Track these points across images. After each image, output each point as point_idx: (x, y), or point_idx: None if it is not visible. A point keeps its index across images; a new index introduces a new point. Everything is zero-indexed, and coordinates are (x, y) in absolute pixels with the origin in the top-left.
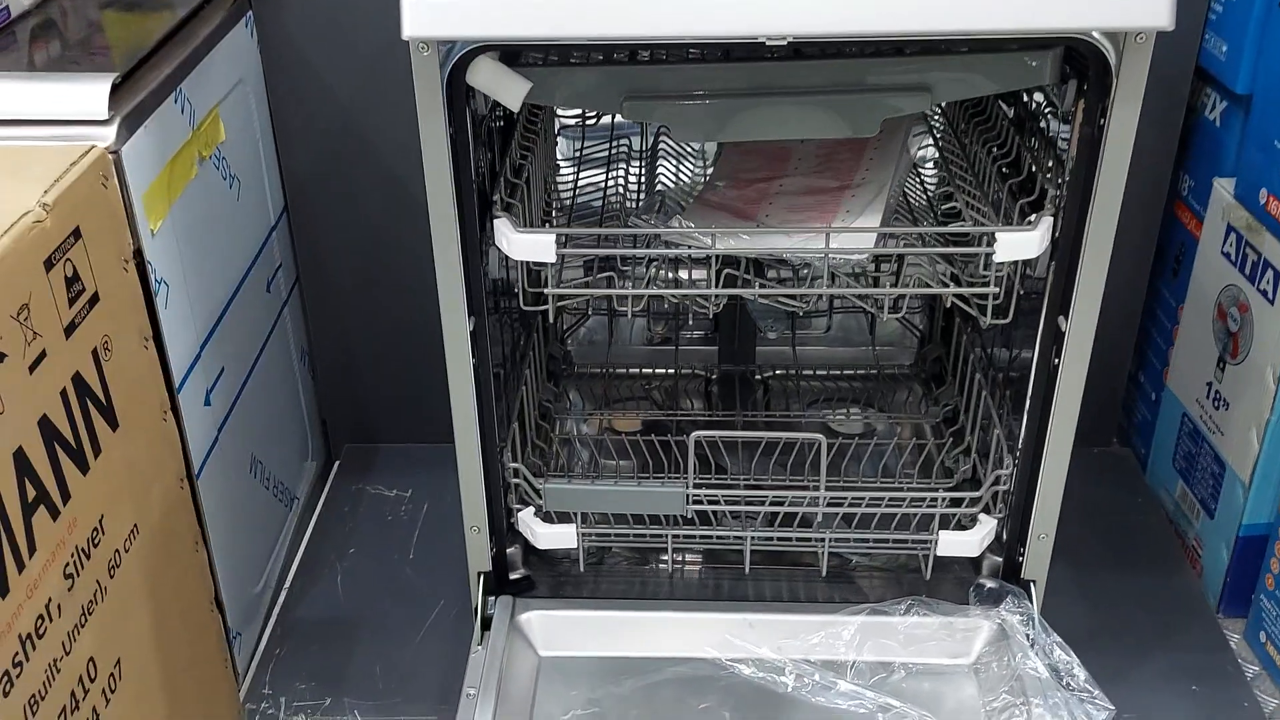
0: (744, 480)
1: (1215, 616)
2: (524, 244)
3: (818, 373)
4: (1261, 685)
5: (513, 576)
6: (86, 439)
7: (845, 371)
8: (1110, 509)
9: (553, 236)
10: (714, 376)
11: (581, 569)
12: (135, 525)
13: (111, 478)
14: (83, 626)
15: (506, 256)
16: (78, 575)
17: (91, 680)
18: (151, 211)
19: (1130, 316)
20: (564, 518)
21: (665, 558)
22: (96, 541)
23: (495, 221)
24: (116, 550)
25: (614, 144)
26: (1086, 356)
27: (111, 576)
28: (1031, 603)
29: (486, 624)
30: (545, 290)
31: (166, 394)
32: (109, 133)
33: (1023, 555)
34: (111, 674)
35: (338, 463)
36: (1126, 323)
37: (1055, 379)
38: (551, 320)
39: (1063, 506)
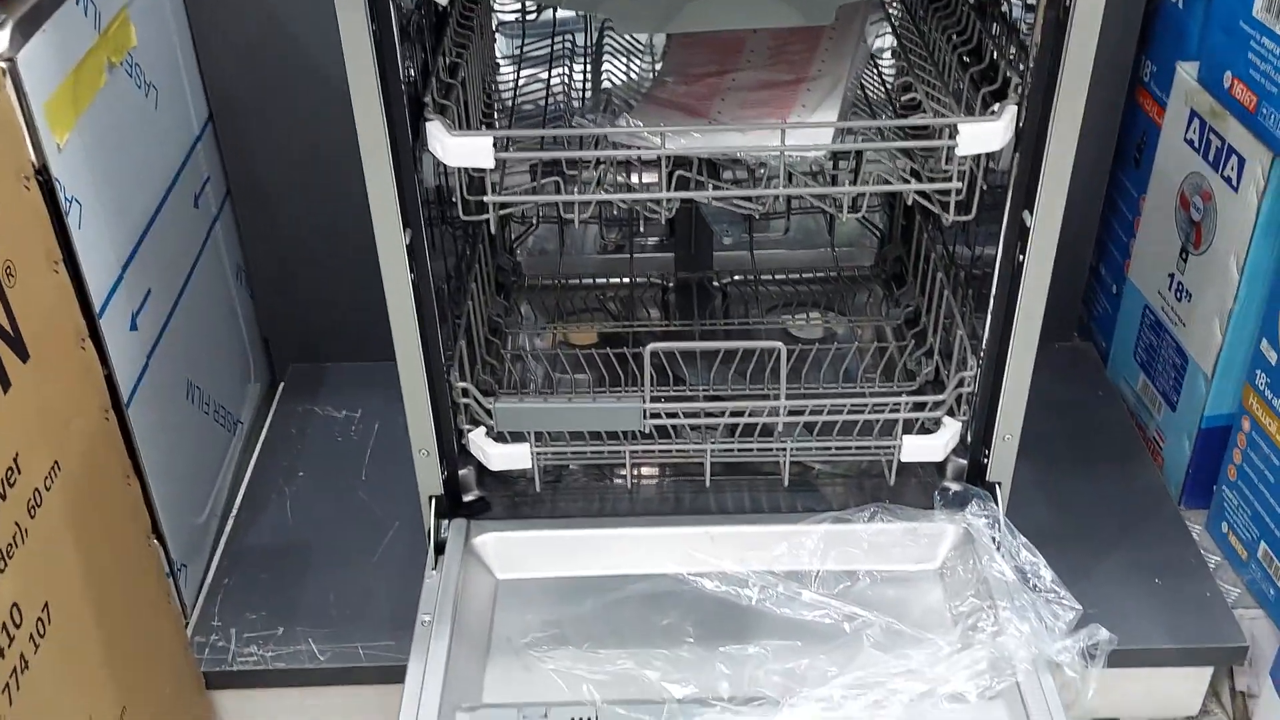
0: (703, 391)
1: (1177, 509)
2: (459, 148)
3: (776, 277)
4: (1224, 575)
5: (466, 499)
6: None
7: (804, 275)
8: (1071, 404)
9: (490, 139)
10: (670, 285)
11: (537, 488)
12: (56, 462)
13: (24, 413)
14: (2, 572)
15: (443, 163)
16: None
17: (16, 627)
18: (56, 124)
19: (1091, 208)
20: (517, 437)
21: (624, 473)
22: (12, 482)
23: (427, 124)
24: (36, 490)
25: (556, 41)
26: (1052, 252)
27: (32, 517)
28: (997, 505)
29: (440, 548)
30: (486, 198)
31: (84, 320)
32: (0, 38)
33: (987, 457)
34: (39, 619)
35: (282, 384)
36: (1087, 215)
37: (1020, 276)
38: (496, 230)
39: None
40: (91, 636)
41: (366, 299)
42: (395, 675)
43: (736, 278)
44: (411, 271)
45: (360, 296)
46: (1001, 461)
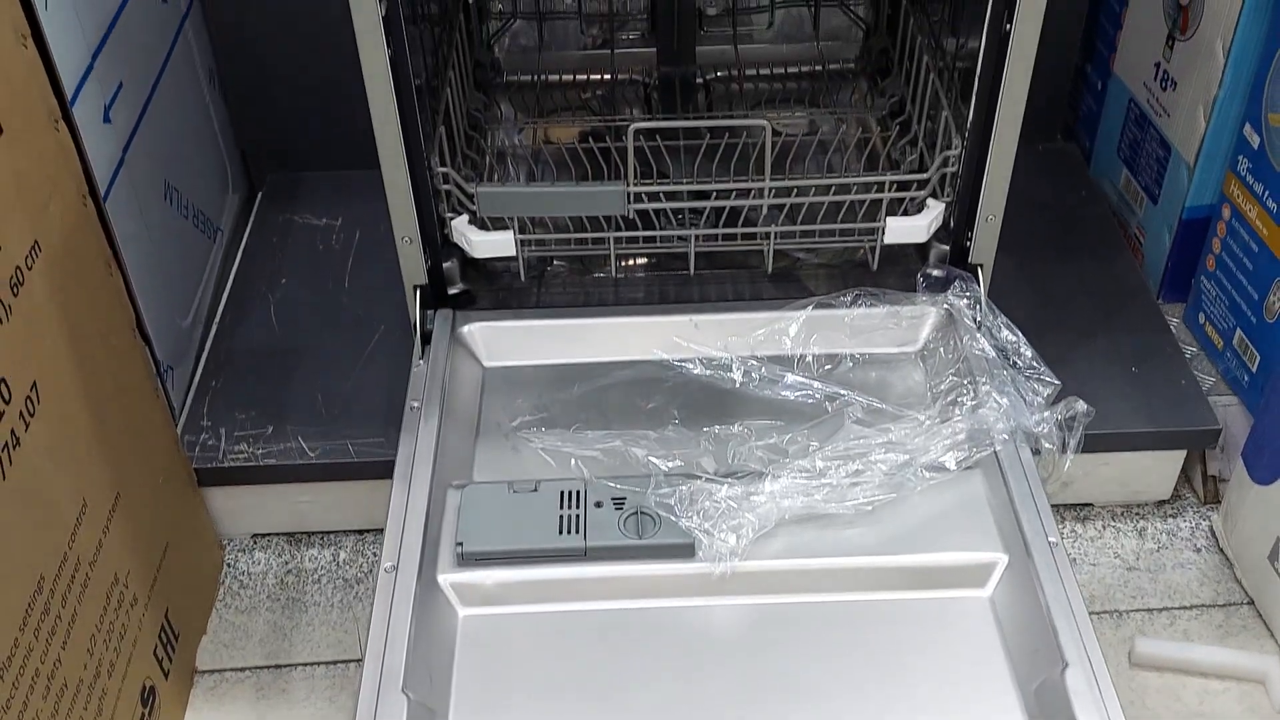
0: (687, 184)
1: (1156, 302)
2: None
3: (761, 72)
4: (1199, 365)
5: (451, 292)
6: None
7: (789, 70)
8: (1054, 203)
9: None
10: (653, 81)
11: (523, 279)
12: (36, 242)
13: (1, 188)
14: None
15: None
16: None
17: (5, 403)
18: None
19: (1078, 8)
20: (500, 225)
21: (608, 265)
22: None
23: None
24: (17, 268)
25: None
26: (1040, 16)
27: (15, 295)
28: (979, 286)
29: (427, 338)
30: None
31: (56, 102)
32: None
33: (970, 240)
34: (28, 397)
35: (261, 193)
36: (1075, 14)
37: (1008, 44)
38: (473, 18)
39: (1007, 201)
40: (82, 421)
41: (344, 105)
42: (386, 470)
43: (720, 74)
44: (389, 47)
45: (337, 103)
46: (984, 243)
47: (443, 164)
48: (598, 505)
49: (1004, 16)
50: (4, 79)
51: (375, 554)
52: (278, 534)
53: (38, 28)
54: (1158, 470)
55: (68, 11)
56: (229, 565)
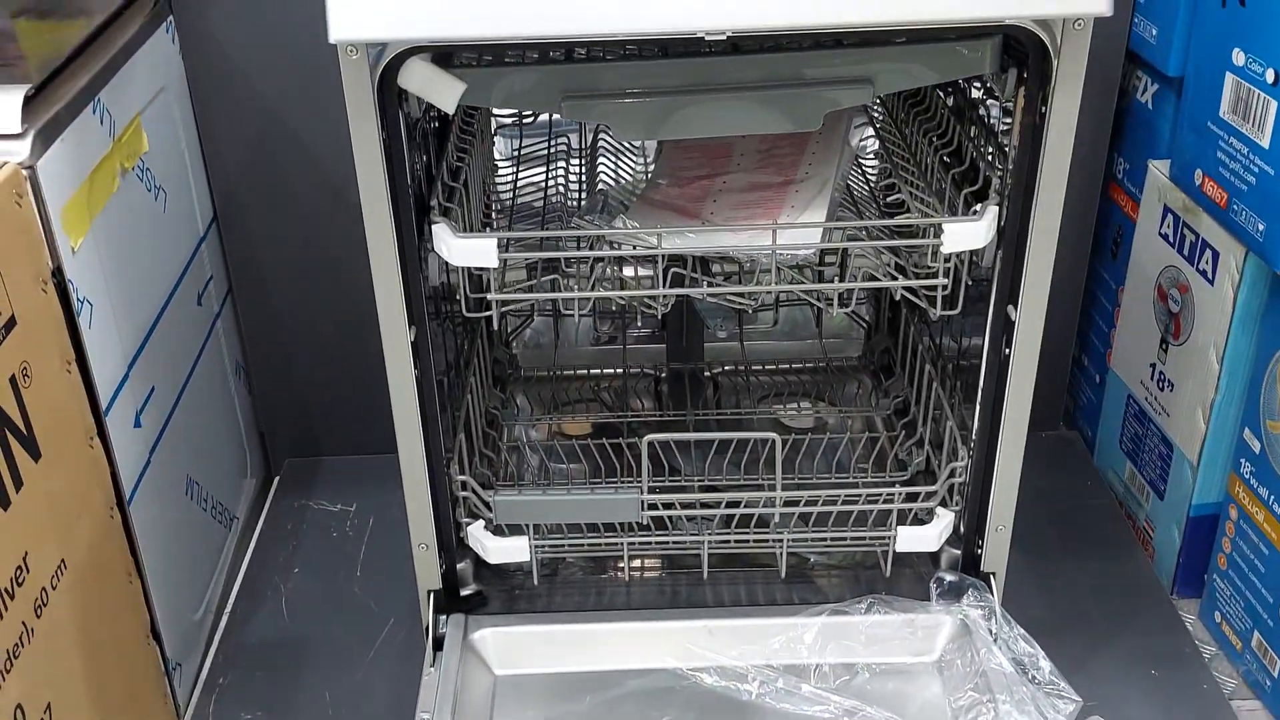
0: (698, 482)
1: (1170, 598)
2: (464, 249)
3: (766, 367)
4: (1219, 666)
5: (464, 593)
6: (6, 472)
7: (794, 365)
8: (1060, 493)
9: (494, 241)
10: (663, 375)
11: (535, 582)
12: (63, 560)
13: (35, 512)
14: (8, 672)
15: (447, 262)
16: (1, 618)
17: None
18: (71, 228)
19: (1072, 300)
20: (515, 529)
21: (621, 565)
22: (20, 581)
23: (434, 227)
24: (43, 589)
25: (553, 141)
26: (1037, 345)
27: (38, 616)
28: (992, 595)
29: (438, 644)
30: (488, 296)
31: (93, 419)
32: (23, 147)
33: (981, 547)
34: (41, 719)
35: (278, 478)
36: (1069, 306)
37: (1006, 369)
38: (496, 325)
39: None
40: None
41: (360, 394)
42: None
43: (727, 368)
44: (415, 367)
45: (356, 392)
46: (995, 552)
47: (461, 471)
48: None
49: (1002, 341)
50: (48, 405)
51: None
52: None
53: (80, 348)
54: None
55: (109, 326)
56: None
